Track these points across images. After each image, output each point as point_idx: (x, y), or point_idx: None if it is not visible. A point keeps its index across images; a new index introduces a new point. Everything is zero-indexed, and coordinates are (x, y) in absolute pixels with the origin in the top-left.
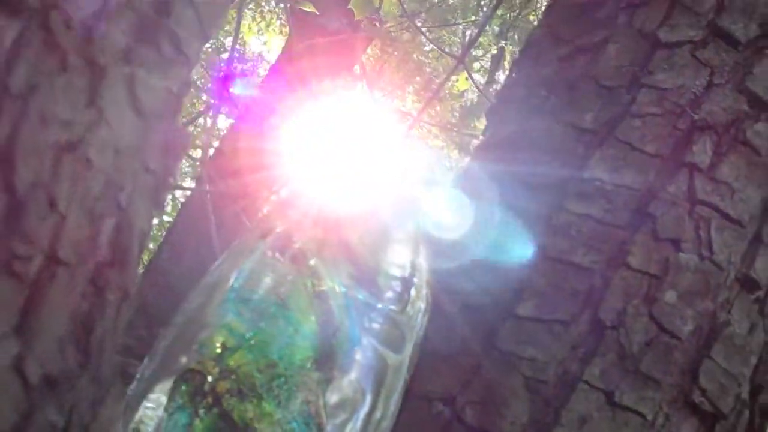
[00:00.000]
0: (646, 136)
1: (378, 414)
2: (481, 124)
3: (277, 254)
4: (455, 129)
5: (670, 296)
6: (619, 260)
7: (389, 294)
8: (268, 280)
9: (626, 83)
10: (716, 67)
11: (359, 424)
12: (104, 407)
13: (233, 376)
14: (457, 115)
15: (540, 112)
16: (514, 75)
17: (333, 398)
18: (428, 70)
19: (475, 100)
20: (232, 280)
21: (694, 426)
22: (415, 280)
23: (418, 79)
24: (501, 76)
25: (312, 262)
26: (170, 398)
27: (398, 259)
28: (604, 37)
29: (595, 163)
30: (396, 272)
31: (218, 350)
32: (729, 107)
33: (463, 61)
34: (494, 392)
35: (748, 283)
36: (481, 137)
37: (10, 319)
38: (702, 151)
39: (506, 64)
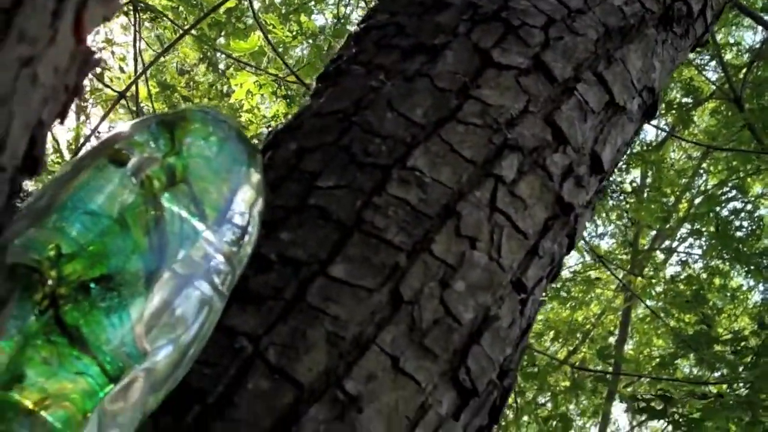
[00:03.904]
0: (465, 142)
1: (196, 341)
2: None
3: (131, 177)
4: (252, 65)
5: (459, 285)
6: (424, 246)
7: (226, 236)
8: (113, 198)
9: (456, 90)
10: (533, 96)
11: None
12: None
13: (69, 282)
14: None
15: (376, 96)
16: (353, 50)
17: (164, 318)
18: None
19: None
20: (74, 192)
21: (453, 399)
22: (250, 228)
23: None
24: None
25: (159, 192)
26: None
27: (238, 207)
28: (444, 42)
29: (418, 155)
30: (237, 220)
31: (52, 252)
32: (536, 134)
33: None
34: (297, 339)
35: (518, 286)
36: (309, 98)
37: None
38: (508, 167)
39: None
